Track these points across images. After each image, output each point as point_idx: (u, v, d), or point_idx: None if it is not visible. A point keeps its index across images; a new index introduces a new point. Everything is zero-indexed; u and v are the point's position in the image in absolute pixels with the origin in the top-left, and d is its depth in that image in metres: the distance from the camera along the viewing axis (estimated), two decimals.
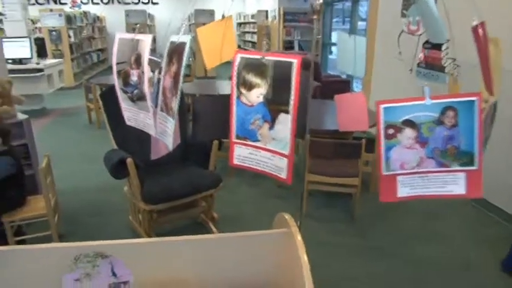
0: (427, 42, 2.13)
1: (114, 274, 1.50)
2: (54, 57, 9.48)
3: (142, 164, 2.96)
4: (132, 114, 2.13)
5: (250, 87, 1.78)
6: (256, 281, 1.59)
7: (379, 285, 2.82)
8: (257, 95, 1.78)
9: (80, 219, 3.64)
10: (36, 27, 11.05)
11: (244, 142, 1.85)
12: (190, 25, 14.03)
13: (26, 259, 1.47)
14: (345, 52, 2.11)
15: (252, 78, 1.77)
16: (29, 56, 7.10)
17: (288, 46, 11.06)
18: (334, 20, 10.76)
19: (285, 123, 1.70)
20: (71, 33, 10.44)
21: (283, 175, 1.78)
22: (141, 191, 2.93)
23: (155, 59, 1.92)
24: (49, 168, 3.04)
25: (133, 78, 1.94)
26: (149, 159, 2.97)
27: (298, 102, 1.64)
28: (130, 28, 11.22)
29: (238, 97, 1.82)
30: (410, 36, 2.18)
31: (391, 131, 1.56)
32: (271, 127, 1.76)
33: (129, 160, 2.85)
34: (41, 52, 7.87)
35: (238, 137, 1.86)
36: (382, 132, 1.58)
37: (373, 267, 3.00)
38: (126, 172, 2.89)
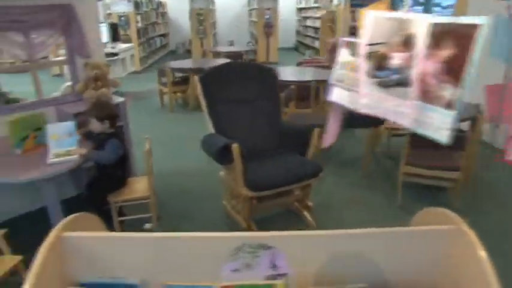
0: None
1: (274, 266, 1.42)
2: (123, 42, 9.70)
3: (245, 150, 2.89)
4: (373, 101, 1.93)
5: None
6: (420, 281, 1.45)
7: None
8: None
9: (172, 203, 3.65)
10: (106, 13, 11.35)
11: None
12: (250, 10, 13.92)
13: (189, 245, 1.42)
14: (502, 37, 1.89)
15: None
16: (105, 40, 7.28)
17: (355, 32, 10.65)
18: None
19: None
20: (139, 18, 10.63)
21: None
22: (245, 178, 2.86)
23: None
24: (150, 150, 3.03)
25: (394, 61, 1.76)
26: (247, 146, 2.92)
27: None
28: (195, 13, 11.25)
29: None
30: None
31: None
32: None
33: (234, 146, 2.78)
34: (115, 37, 8.04)
35: None
36: None
37: None
38: (230, 158, 2.83)
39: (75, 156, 2.68)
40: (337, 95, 2.15)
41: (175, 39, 15.27)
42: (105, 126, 2.82)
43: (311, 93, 5.12)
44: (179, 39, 15.15)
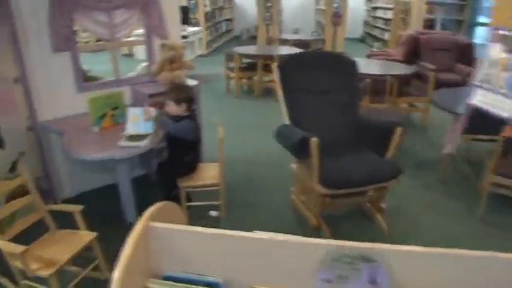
0: None
1: (374, 282, 1.27)
2: (192, 25, 9.78)
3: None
4: None
5: None
6: None
7: None
8: None
9: (238, 191, 3.58)
10: None
11: None
12: None
13: (280, 249, 1.30)
14: None
15: None
16: None
17: (429, 25, 10.02)
18: None
19: None
20: (207, 2, 10.66)
21: None
22: (320, 174, 2.71)
23: None
24: (223, 137, 2.95)
25: None
26: (322, 139, 2.74)
27: None
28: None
29: None
30: None
31: None
32: None
33: (313, 140, 2.62)
34: (185, 20, 8.10)
35: None
36: None
37: None
38: (307, 151, 2.68)
39: (146, 141, 2.66)
40: (480, 99, 1.88)
41: (240, 25, 15.23)
42: (181, 109, 2.77)
43: (386, 87, 4.82)
44: (244, 25, 15.10)
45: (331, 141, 3.03)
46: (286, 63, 3.14)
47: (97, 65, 4.14)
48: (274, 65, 3.16)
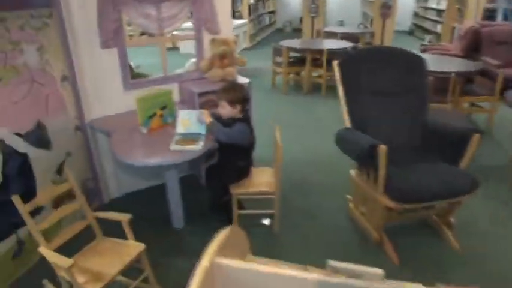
0: None
1: None
2: (236, 18, 9.58)
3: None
4: None
5: None
6: None
7: None
8: None
9: (291, 196, 3.34)
10: None
11: None
12: None
13: None
14: None
15: None
16: None
17: (489, 15, 9.31)
18: None
19: None
20: None
21: None
22: (387, 185, 2.42)
23: None
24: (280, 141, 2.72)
25: None
26: (389, 147, 2.45)
27: None
28: None
29: None
30: None
31: None
32: None
33: (382, 147, 2.34)
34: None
35: None
36: None
37: None
38: (374, 160, 2.40)
39: (198, 146, 2.46)
40: None
41: (282, 18, 14.90)
42: (235, 110, 2.56)
43: (449, 86, 4.42)
44: (286, 18, 14.76)
45: (397, 148, 2.72)
46: (350, 60, 2.86)
47: (137, 58, 4.02)
48: (335, 62, 2.88)
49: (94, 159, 3.04)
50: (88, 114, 2.92)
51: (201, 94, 3.08)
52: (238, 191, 2.67)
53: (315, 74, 6.30)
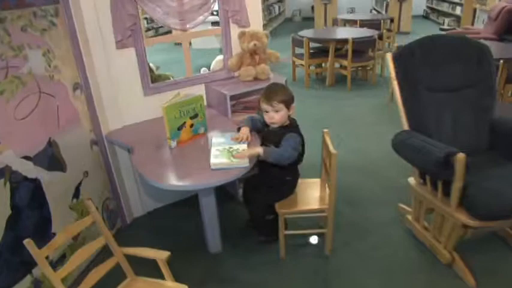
0: None
1: None
2: None
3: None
4: None
5: None
6: None
7: None
8: None
9: (336, 209, 2.93)
10: None
11: None
12: None
13: None
14: None
15: None
16: None
17: None
18: None
19: None
20: None
21: None
22: (467, 200, 2.01)
23: None
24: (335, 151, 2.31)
25: None
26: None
27: None
28: None
29: None
30: None
31: None
32: None
33: (461, 157, 1.93)
34: None
35: None
36: None
37: None
38: (450, 170, 1.99)
39: (245, 162, 2.05)
40: None
41: (290, 6, 14.39)
42: (287, 115, 2.17)
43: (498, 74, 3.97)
44: (295, 6, 14.25)
45: (467, 152, 2.31)
46: (405, 52, 2.43)
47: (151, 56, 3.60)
48: (389, 55, 2.46)
49: (114, 176, 2.67)
50: (105, 125, 2.54)
51: (233, 98, 2.68)
52: (286, 210, 2.28)
53: (337, 65, 5.87)
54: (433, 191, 2.30)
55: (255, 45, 2.79)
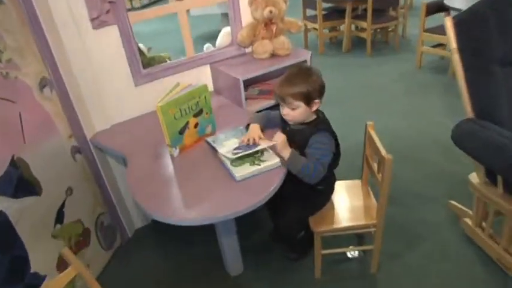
0: None
1: None
2: None
3: None
4: None
5: None
6: None
7: None
8: None
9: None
10: None
11: None
12: None
13: None
14: None
15: None
16: None
17: None
18: None
19: None
20: None
21: None
22: None
23: None
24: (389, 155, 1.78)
25: None
26: None
27: None
28: None
29: None
30: None
31: None
32: None
33: None
34: None
35: None
36: None
37: None
38: None
39: (276, 159, 1.56)
40: None
41: None
42: (308, 112, 1.63)
43: None
44: None
45: None
46: (475, 17, 1.84)
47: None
48: (448, 20, 1.88)
49: (107, 186, 2.19)
50: (89, 128, 2.03)
51: (247, 82, 2.13)
52: (323, 228, 1.79)
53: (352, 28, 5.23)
54: (506, 193, 1.80)
55: (270, 12, 2.21)
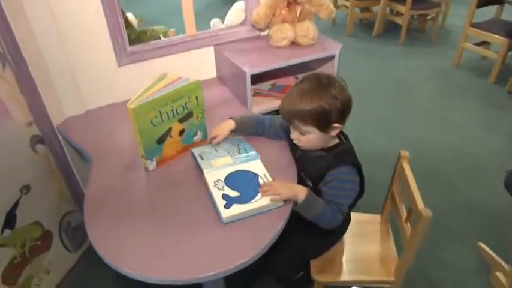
0: None
1: None
2: None
3: None
4: None
5: None
6: None
7: None
8: None
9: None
10: None
11: None
12: None
13: None
14: None
15: None
16: None
17: None
18: None
19: None
20: None
21: None
22: None
23: None
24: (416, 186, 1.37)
25: None
26: None
27: None
28: None
29: None
30: None
31: None
32: None
33: None
34: None
35: None
36: None
37: None
38: None
39: (278, 202, 1.18)
40: None
41: None
42: (325, 137, 1.22)
43: None
44: None
45: None
46: None
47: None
48: None
49: (78, 180, 1.84)
50: (57, 112, 1.67)
51: (255, 77, 1.72)
52: (327, 279, 1.43)
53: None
54: None
55: None
